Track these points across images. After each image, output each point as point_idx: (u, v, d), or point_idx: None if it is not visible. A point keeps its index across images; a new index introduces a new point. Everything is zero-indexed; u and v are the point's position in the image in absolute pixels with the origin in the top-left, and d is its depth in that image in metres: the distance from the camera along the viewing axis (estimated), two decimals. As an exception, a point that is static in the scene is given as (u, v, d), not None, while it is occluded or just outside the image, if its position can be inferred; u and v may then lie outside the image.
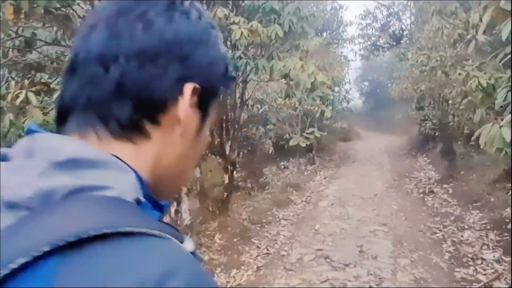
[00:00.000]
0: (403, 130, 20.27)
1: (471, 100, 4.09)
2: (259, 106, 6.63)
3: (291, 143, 8.74)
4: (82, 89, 0.39)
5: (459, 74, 3.74)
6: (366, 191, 7.15)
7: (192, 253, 0.33)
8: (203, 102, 0.43)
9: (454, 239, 4.58)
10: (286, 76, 4.09)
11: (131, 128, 0.39)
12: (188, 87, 0.41)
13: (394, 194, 6.99)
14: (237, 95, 5.22)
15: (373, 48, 14.52)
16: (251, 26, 3.07)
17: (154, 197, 0.38)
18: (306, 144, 8.67)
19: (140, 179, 0.37)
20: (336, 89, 11.74)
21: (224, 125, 5.01)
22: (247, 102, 5.84)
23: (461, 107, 6.62)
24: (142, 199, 0.35)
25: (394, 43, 13.82)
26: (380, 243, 4.50)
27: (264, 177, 8.56)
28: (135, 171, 0.37)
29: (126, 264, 0.28)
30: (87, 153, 0.35)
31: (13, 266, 0.26)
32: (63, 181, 0.32)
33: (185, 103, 0.40)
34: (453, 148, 8.19)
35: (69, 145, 0.36)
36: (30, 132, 0.38)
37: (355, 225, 5.14)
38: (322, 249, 4.33)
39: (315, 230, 5.01)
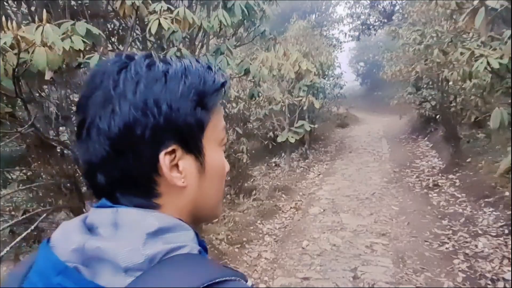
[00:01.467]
0: (402, 111, 19.45)
1: (477, 84, 3.27)
2: (234, 104, 5.83)
3: (279, 139, 7.96)
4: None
5: (461, 53, 2.93)
6: (363, 189, 6.39)
7: None
8: (188, 147, 0.50)
9: (467, 251, 3.82)
10: (246, 73, 3.29)
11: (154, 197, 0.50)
12: (162, 159, 0.48)
13: (394, 190, 6.23)
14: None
15: (363, 27, 13.52)
16: (177, 13, 2.27)
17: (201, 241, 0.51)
18: (296, 140, 7.91)
19: (195, 233, 0.50)
20: (327, 74, 10.90)
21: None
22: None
23: (463, 88, 5.81)
24: (200, 248, 0.49)
25: (385, 20, 12.87)
26: (378, 263, 3.75)
27: (252, 180, 7.82)
28: (192, 228, 0.50)
29: None
30: (165, 222, 0.47)
31: None
32: (159, 247, 0.44)
33: (167, 174, 0.48)
34: (457, 132, 7.38)
35: (150, 216, 0.46)
36: (104, 205, 0.48)
37: (349, 239, 4.39)
38: (308, 278, 3.59)
39: (303, 248, 4.27)
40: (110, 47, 3.09)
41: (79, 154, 0.51)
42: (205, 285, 0.41)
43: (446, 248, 3.95)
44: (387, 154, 9.45)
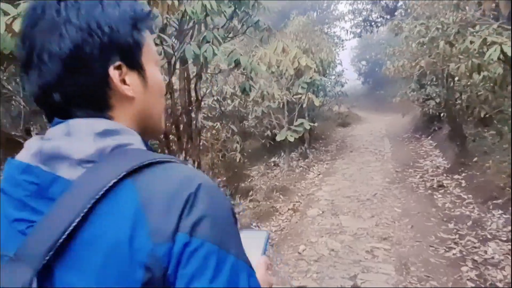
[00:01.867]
0: (405, 109, 19.16)
1: (487, 76, 3.00)
2: (229, 101, 5.56)
3: (277, 138, 7.69)
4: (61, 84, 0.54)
5: (471, 42, 2.66)
6: (364, 190, 6.12)
7: None
8: (131, 64, 0.57)
9: (476, 257, 3.55)
10: (237, 64, 3.03)
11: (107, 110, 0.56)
12: (112, 73, 0.54)
13: (397, 191, 5.95)
14: (196, 92, 4.17)
15: (365, 24, 13.19)
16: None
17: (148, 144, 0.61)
18: (295, 138, 7.64)
19: (143, 140, 0.57)
20: (328, 72, 10.61)
21: (176, 132, 3.98)
22: (207, 99, 4.84)
23: (469, 84, 5.52)
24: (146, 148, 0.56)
25: (387, 16, 12.56)
26: (379, 270, 3.48)
27: (249, 180, 7.56)
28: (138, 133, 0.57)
29: (172, 172, 0.51)
30: (113, 125, 0.54)
31: (104, 189, 0.47)
32: (108, 142, 0.51)
33: (118, 85, 0.55)
34: (463, 130, 7.09)
35: (99, 121, 0.54)
36: (57, 123, 0.54)
37: (349, 243, 4.12)
38: (304, 287, 3.33)
39: (299, 253, 4.01)
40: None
41: (30, 83, 0.55)
42: (145, 163, 0.50)
43: (453, 254, 3.68)
44: (389, 153, 9.17)
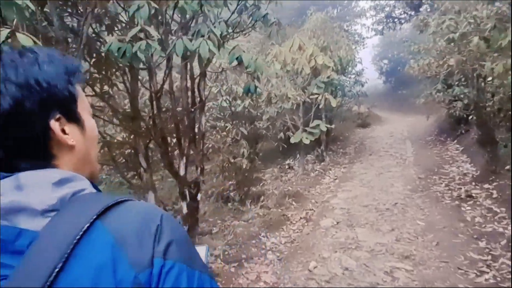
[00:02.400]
0: (429, 111, 18.38)
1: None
2: (239, 102, 5.23)
3: (292, 140, 7.30)
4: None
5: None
6: (383, 198, 5.67)
7: None
8: (69, 115, 0.62)
9: (513, 285, 3.09)
10: (240, 62, 2.68)
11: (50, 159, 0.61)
12: (53, 125, 0.59)
13: (420, 201, 5.47)
14: (200, 92, 3.84)
15: (387, 20, 12.56)
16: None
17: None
18: (311, 141, 7.23)
19: (90, 182, 0.63)
20: (347, 70, 10.11)
21: (177, 136, 3.66)
22: (217, 98, 4.51)
23: (502, 84, 4.98)
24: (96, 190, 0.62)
25: (412, 12, 11.91)
26: (400, 296, 3.08)
27: (261, 184, 7.20)
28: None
29: (135, 210, 0.57)
30: (65, 174, 0.58)
31: (80, 233, 0.51)
32: (66, 190, 0.56)
33: (59, 136, 0.60)
34: (493, 134, 6.51)
35: (50, 172, 0.58)
36: (2, 177, 0.55)
37: (365, 261, 3.72)
38: (312, 313, 2.96)
39: (309, 271, 3.63)
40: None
41: None
42: (105, 207, 0.55)
43: (486, 280, 3.22)
44: (411, 157, 8.62)
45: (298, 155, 8.34)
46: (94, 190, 0.60)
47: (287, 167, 8.48)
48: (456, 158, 7.89)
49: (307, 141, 7.09)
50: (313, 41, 8.22)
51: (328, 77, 7.48)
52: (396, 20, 12.30)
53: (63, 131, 0.60)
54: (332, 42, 8.65)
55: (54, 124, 0.59)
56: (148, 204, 0.61)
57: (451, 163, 7.55)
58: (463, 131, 9.18)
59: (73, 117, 0.63)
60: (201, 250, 0.92)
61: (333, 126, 9.05)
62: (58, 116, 0.59)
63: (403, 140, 11.15)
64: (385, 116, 19.07)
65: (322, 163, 8.63)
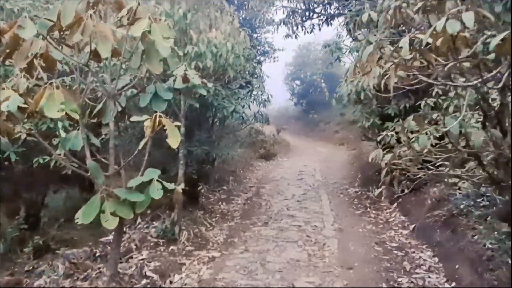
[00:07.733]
0: (342, 139, 16.18)
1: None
2: None
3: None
4: None
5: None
6: None
7: None
8: None
9: None
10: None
11: None
12: None
13: None
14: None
15: (300, 18, 9.71)
16: None
17: None
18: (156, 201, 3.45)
19: None
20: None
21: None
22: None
23: None
24: None
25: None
26: None
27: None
28: None
29: None
30: None
31: None
32: None
33: None
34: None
35: None
36: None
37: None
38: None
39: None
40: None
41: None
42: None
43: None
44: (332, 239, 5.13)
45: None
46: None
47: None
48: (415, 246, 4.78)
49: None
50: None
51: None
52: (311, 13, 9.53)
53: None
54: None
55: None
56: None
57: (412, 262, 4.36)
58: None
59: None
60: None
61: (181, 187, 5.43)
62: None
63: (316, 191, 7.86)
64: (294, 141, 16.60)
65: (171, 248, 4.74)
